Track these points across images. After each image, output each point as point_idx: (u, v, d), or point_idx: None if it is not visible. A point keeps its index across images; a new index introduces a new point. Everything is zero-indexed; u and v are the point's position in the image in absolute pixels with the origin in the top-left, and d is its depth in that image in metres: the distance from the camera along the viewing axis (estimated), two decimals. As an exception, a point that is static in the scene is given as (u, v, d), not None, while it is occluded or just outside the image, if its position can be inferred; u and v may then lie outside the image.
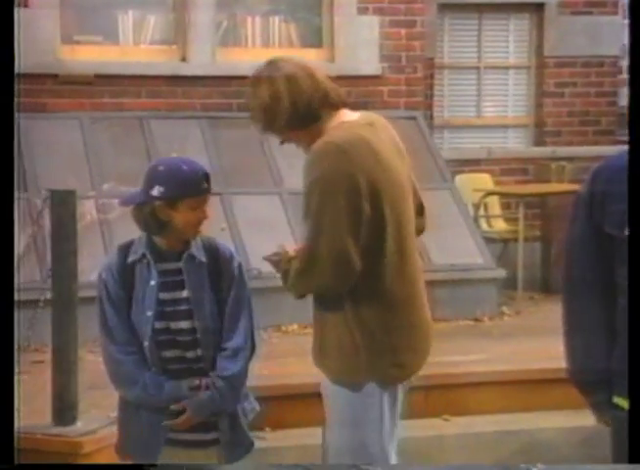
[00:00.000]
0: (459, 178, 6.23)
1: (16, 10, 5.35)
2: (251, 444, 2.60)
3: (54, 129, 5.52)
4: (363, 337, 2.39)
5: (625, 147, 2.10)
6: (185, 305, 2.47)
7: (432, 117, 6.58)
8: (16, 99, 5.17)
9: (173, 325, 2.48)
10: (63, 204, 3.52)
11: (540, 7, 6.78)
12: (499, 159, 6.63)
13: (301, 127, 2.41)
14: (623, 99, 6.65)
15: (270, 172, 5.60)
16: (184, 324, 2.48)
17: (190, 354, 2.49)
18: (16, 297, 3.71)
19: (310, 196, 2.35)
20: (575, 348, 2.14)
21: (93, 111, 5.67)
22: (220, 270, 2.49)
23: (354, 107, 2.52)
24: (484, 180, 6.44)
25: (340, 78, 2.51)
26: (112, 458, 2.84)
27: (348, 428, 2.42)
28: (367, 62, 5.98)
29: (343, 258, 2.33)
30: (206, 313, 2.47)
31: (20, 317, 3.58)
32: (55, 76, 5.60)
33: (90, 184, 5.30)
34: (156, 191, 2.42)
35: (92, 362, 4.03)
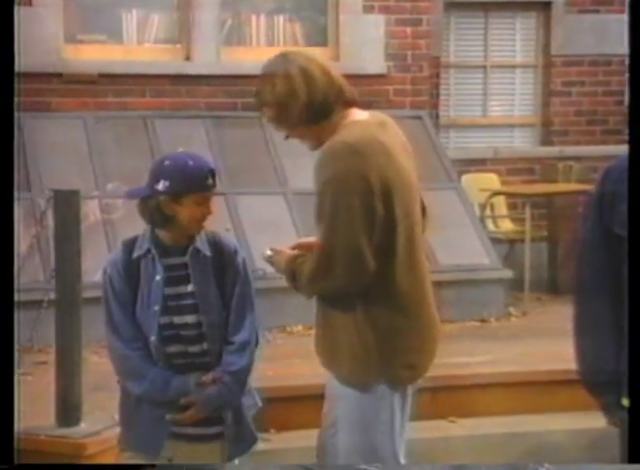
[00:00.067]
0: (465, 178, 6.21)
1: (19, 9, 5.39)
2: (255, 439, 2.61)
3: (57, 129, 5.51)
4: (374, 338, 2.38)
5: (634, 147, 2.07)
6: (190, 300, 2.48)
7: (437, 116, 6.55)
8: (19, 98, 5.19)
9: (177, 320, 2.48)
10: (66, 204, 3.52)
11: (547, 5, 6.75)
12: (506, 158, 6.60)
13: (314, 123, 2.40)
14: (631, 98, 6.59)
15: (275, 172, 5.58)
16: (189, 318, 2.48)
17: (193, 349, 2.49)
18: (19, 297, 3.72)
19: (324, 196, 2.34)
20: (585, 349, 2.12)
21: (97, 110, 5.66)
22: (225, 264, 2.50)
23: (360, 106, 2.50)
24: (491, 180, 6.42)
25: (345, 77, 2.49)
26: (116, 460, 2.82)
27: (358, 430, 2.42)
28: (372, 61, 5.96)
29: (358, 258, 2.33)
30: (212, 307, 2.48)
31: (23, 318, 3.59)
32: (58, 76, 5.59)
33: (94, 184, 5.29)
34: (161, 185, 2.43)
35: (96, 363, 4.04)
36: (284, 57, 2.45)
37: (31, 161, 5.31)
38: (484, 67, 6.83)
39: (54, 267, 3.57)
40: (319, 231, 2.36)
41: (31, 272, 4.65)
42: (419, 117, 5.98)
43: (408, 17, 6.07)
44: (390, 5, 6.04)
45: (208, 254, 2.49)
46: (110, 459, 3.31)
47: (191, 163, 2.45)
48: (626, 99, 6.72)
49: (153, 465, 2.47)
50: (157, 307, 2.46)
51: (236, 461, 2.58)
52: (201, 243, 2.50)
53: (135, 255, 2.48)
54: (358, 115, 2.45)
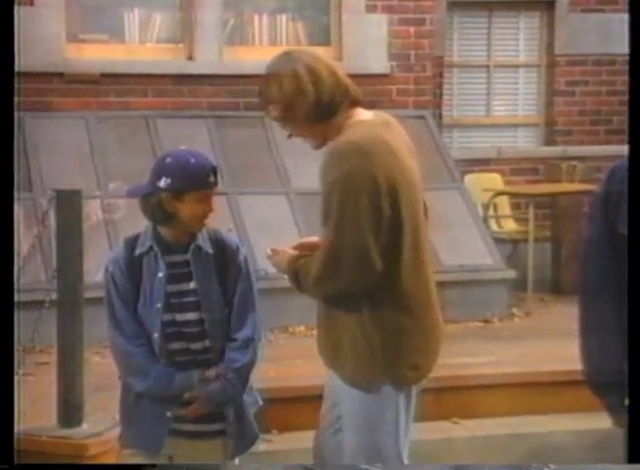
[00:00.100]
0: (468, 178, 6.19)
1: (21, 8, 5.39)
2: (257, 436, 2.61)
3: (59, 129, 5.51)
4: (380, 338, 2.38)
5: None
6: (192, 297, 2.48)
7: (441, 116, 6.54)
8: (20, 98, 5.19)
9: (179, 317, 2.48)
10: (68, 204, 3.51)
11: (551, 4, 6.73)
12: (509, 158, 6.59)
13: (320, 122, 2.40)
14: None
15: (277, 172, 5.57)
16: (191, 316, 2.48)
17: (196, 346, 2.50)
18: (21, 297, 3.71)
19: (330, 195, 2.34)
20: (591, 349, 2.11)
21: (99, 110, 5.65)
22: (227, 262, 2.51)
23: (363, 106, 2.49)
24: (494, 180, 6.41)
25: (348, 77, 2.48)
26: (117, 459, 2.81)
27: (363, 431, 2.42)
28: (375, 60, 5.95)
29: (365, 258, 2.32)
30: (214, 305, 2.49)
31: (25, 318, 3.58)
32: (60, 75, 5.59)
33: (96, 184, 5.28)
34: (163, 182, 2.43)
35: (98, 364, 4.03)
36: (289, 55, 2.44)
37: (33, 160, 5.30)
38: (488, 66, 6.81)
39: (56, 267, 3.57)
40: (326, 231, 2.35)
41: (33, 272, 4.64)
42: (422, 117, 5.96)
43: (411, 16, 6.06)
44: (393, 4, 6.03)
45: (210, 251, 2.50)
46: (112, 460, 3.30)
47: (193, 160, 2.46)
48: (633, 99, 6.68)
49: (153, 465, 2.47)
50: (159, 305, 2.46)
51: (236, 461, 2.58)
52: (202, 240, 2.50)
53: (137, 252, 2.49)
54: (363, 114, 2.44)
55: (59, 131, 5.49)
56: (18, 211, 4.91)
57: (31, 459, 3.27)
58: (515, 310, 5.56)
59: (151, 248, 2.48)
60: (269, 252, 2.51)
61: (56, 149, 5.39)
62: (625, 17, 6.56)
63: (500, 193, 6.25)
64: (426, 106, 6.10)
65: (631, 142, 2.04)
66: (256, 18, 6.00)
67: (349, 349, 2.40)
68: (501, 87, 6.84)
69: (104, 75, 5.63)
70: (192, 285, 2.48)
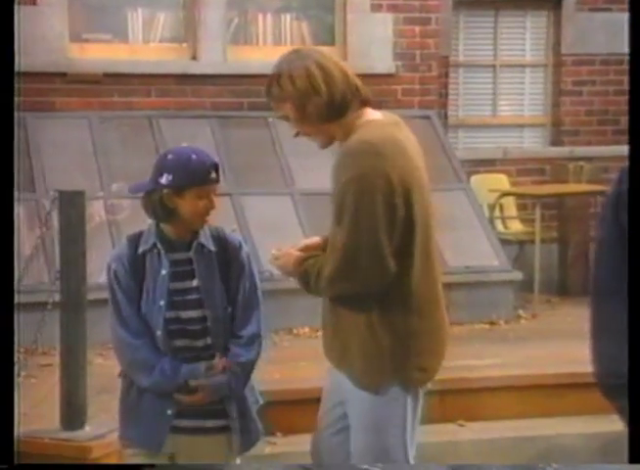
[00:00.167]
0: (474, 179, 6.17)
1: (24, 8, 5.37)
2: (260, 432, 2.61)
3: (62, 129, 5.49)
4: (390, 339, 2.37)
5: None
6: (195, 295, 2.49)
7: (446, 116, 6.51)
8: (22, 98, 5.17)
9: (183, 314, 2.49)
10: (71, 205, 3.50)
11: (558, 3, 6.70)
12: (515, 159, 6.56)
13: (330, 120, 2.39)
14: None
15: (281, 172, 5.55)
16: (194, 313, 2.49)
17: (198, 343, 2.51)
18: (24, 299, 3.69)
19: (345, 195, 2.33)
20: (602, 351, 2.08)
21: (102, 110, 5.63)
22: (229, 259, 2.51)
23: (372, 106, 2.48)
24: (500, 181, 6.38)
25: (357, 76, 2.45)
26: (119, 461, 2.79)
27: (371, 432, 2.41)
28: (380, 60, 5.92)
29: (379, 258, 2.32)
30: (217, 302, 2.49)
31: (28, 320, 3.56)
32: (63, 75, 5.57)
33: (99, 184, 5.26)
34: (164, 179, 2.44)
35: (101, 366, 4.02)
36: (298, 53, 2.43)
37: (36, 161, 5.29)
38: (494, 66, 6.78)
39: (59, 269, 3.56)
40: (339, 231, 2.34)
41: (36, 274, 4.62)
42: (427, 117, 5.94)
43: (417, 15, 6.03)
44: (399, 4, 6.00)
45: (213, 249, 2.51)
46: (115, 462, 3.28)
47: (194, 157, 2.46)
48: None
49: (152, 465, 2.46)
50: (162, 302, 2.47)
51: (237, 461, 2.58)
52: (205, 238, 2.51)
53: (141, 250, 2.49)
54: (373, 114, 2.43)
55: (61, 131, 5.47)
56: (20, 212, 4.90)
57: (34, 462, 3.25)
58: (521, 312, 5.54)
59: (154, 245, 2.49)
60: (275, 253, 2.50)
61: (59, 149, 5.37)
62: (632, 16, 6.51)
63: (506, 194, 6.22)
64: (431, 106, 6.08)
65: (631, 142, 2.02)
66: (260, 17, 5.97)
67: (357, 349, 2.39)
68: (507, 87, 6.80)
69: (107, 75, 5.62)
70: (195, 282, 2.49)
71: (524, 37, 6.81)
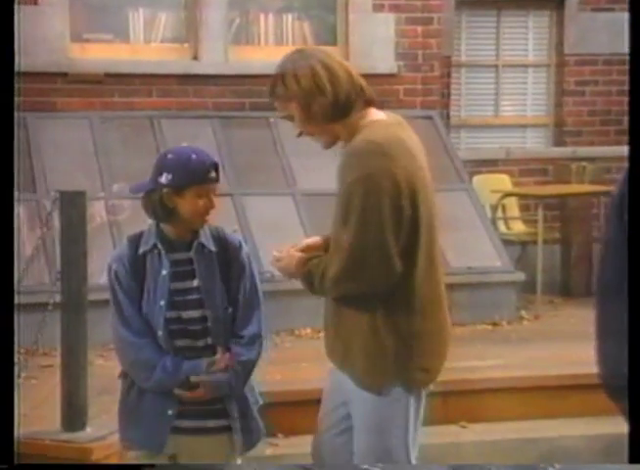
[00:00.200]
0: (476, 179, 6.15)
1: (25, 7, 5.36)
2: (262, 430, 2.61)
3: (63, 129, 5.49)
4: (392, 340, 2.37)
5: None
6: (195, 295, 2.50)
7: (448, 116, 6.49)
8: (23, 98, 5.16)
9: (184, 314, 2.50)
10: (72, 205, 3.50)
11: (560, 3, 6.68)
12: (518, 159, 6.54)
13: (335, 120, 2.38)
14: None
15: (283, 173, 5.54)
16: (194, 313, 2.50)
17: (200, 343, 2.52)
18: (25, 300, 3.68)
19: (351, 196, 2.32)
20: (607, 352, 2.07)
21: (103, 110, 5.63)
22: (229, 259, 2.52)
23: (376, 106, 2.47)
24: (503, 181, 6.36)
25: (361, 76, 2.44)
26: (124, 468, 2.78)
27: (374, 433, 2.41)
28: (382, 60, 5.91)
29: (386, 259, 2.32)
30: (217, 302, 2.50)
31: (28, 321, 3.55)
32: (64, 75, 5.57)
33: (100, 185, 5.26)
34: (164, 178, 2.45)
35: (102, 367, 4.01)
36: (302, 52, 2.43)
37: (37, 161, 5.28)
38: (496, 66, 6.76)
39: (59, 269, 3.56)
40: (346, 231, 2.33)
41: (37, 274, 4.61)
42: (429, 118, 5.92)
43: (419, 15, 6.02)
44: (401, 3, 5.99)
45: (213, 249, 2.51)
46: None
47: (194, 156, 2.47)
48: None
49: (152, 465, 2.46)
50: (162, 302, 2.48)
51: (238, 461, 2.58)
52: (205, 238, 2.52)
53: (141, 250, 2.50)
54: (376, 114, 2.42)
55: (63, 132, 5.47)
56: (21, 212, 4.89)
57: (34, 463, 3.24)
58: (524, 313, 5.52)
59: (154, 246, 2.49)
60: (276, 254, 2.49)
61: (60, 149, 5.37)
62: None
63: (509, 194, 6.20)
64: (433, 106, 6.06)
65: (631, 142, 2.01)
66: (262, 17, 5.96)
67: (360, 350, 2.39)
68: (510, 87, 6.79)
69: (108, 75, 5.61)
70: (195, 282, 2.50)
71: (526, 37, 6.79)
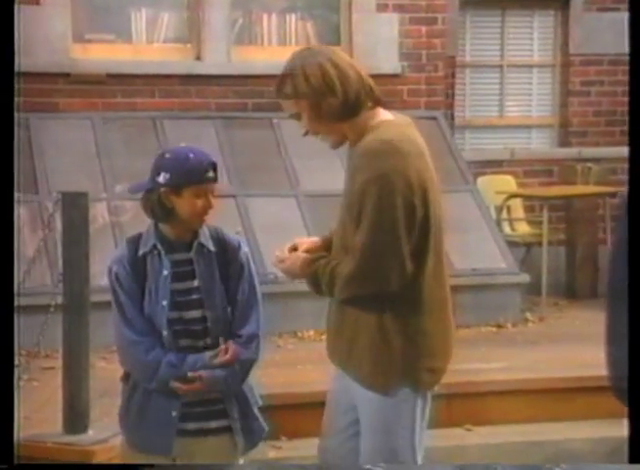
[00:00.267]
0: (481, 180, 6.13)
1: (27, 8, 5.34)
2: (264, 430, 2.61)
3: (65, 129, 5.47)
4: (401, 340, 2.36)
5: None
6: (196, 295, 2.51)
7: (452, 117, 6.47)
8: (26, 99, 5.14)
9: (186, 315, 2.51)
10: (74, 206, 3.49)
11: (566, 3, 6.65)
12: (523, 160, 6.52)
13: (344, 119, 2.37)
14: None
15: (286, 174, 5.52)
16: (195, 313, 2.51)
17: (201, 343, 2.53)
18: (26, 301, 3.66)
19: (365, 195, 2.31)
20: (616, 354, 2.04)
21: (105, 111, 5.61)
22: (229, 259, 2.53)
23: (383, 106, 2.46)
24: (507, 182, 6.34)
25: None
26: (124, 468, 2.76)
27: (380, 434, 2.40)
28: (386, 60, 5.89)
29: (399, 259, 2.32)
30: (217, 302, 2.51)
31: (30, 322, 3.54)
32: (66, 76, 5.56)
33: (102, 186, 5.24)
34: (162, 178, 2.45)
35: (104, 369, 3.99)
36: (311, 51, 2.42)
37: (38, 162, 5.27)
38: (501, 66, 6.74)
39: (61, 271, 3.55)
40: (359, 231, 2.32)
41: (39, 276, 4.59)
42: (434, 118, 5.90)
43: (423, 15, 6.00)
44: (405, 3, 5.97)
45: (213, 249, 2.52)
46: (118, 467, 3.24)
47: (192, 155, 2.47)
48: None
49: (151, 465, 2.46)
50: (165, 302, 2.48)
51: (241, 461, 2.58)
52: (205, 238, 2.54)
53: (141, 252, 2.50)
54: (384, 114, 2.42)
55: (64, 132, 5.45)
56: (23, 213, 4.88)
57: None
58: (528, 315, 5.50)
59: (154, 246, 2.50)
60: (279, 255, 2.49)
61: (62, 150, 5.35)
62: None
63: (513, 195, 6.18)
64: (437, 106, 6.04)
65: (631, 142, 1.99)
66: (265, 17, 5.94)
67: (366, 350, 2.39)
68: (514, 87, 6.76)
69: (110, 76, 5.60)
70: (195, 283, 2.50)
71: (531, 37, 6.76)
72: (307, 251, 2.47)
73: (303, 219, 5.27)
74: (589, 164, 6.32)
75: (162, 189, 2.44)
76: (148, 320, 2.49)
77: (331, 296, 2.42)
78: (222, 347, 2.49)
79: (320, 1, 6.05)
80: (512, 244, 5.74)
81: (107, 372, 3.75)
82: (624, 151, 6.80)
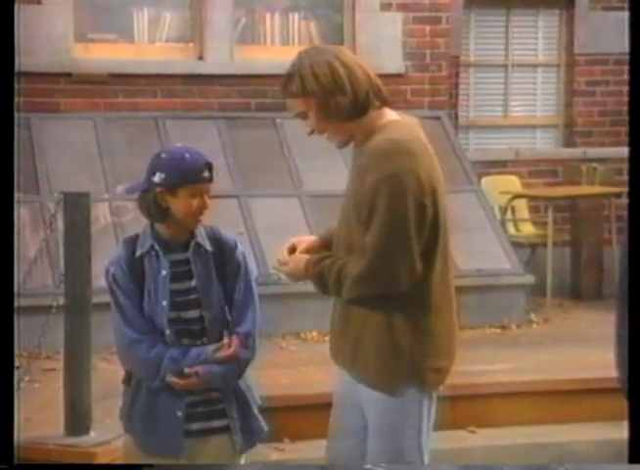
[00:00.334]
0: (485, 180, 6.11)
1: (29, 7, 5.33)
2: (263, 429, 2.61)
3: (67, 130, 5.47)
4: (408, 340, 2.35)
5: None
6: (193, 295, 2.52)
7: (456, 116, 6.45)
8: (28, 99, 5.12)
9: (185, 315, 2.52)
10: (76, 207, 3.49)
11: (570, 2, 6.63)
12: (527, 160, 6.50)
13: (352, 119, 2.36)
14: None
15: (289, 174, 5.51)
16: (194, 313, 2.52)
17: (198, 343, 2.53)
18: (28, 302, 3.65)
19: (376, 195, 2.30)
20: (626, 355, 2.00)
21: (107, 111, 5.61)
22: (225, 259, 2.54)
23: (390, 106, 2.45)
24: (512, 182, 6.32)
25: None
26: (124, 468, 2.75)
27: (387, 434, 2.39)
28: (390, 60, 5.87)
29: (410, 259, 2.32)
30: (214, 302, 2.52)
31: (31, 323, 3.53)
32: (68, 75, 5.55)
33: (104, 186, 5.24)
34: (157, 178, 2.46)
35: (105, 370, 3.98)
36: (318, 49, 2.41)
37: (40, 162, 5.26)
38: (505, 65, 6.71)
39: (63, 272, 3.54)
40: (370, 231, 2.31)
41: (40, 277, 4.59)
42: (437, 118, 5.88)
43: (427, 14, 5.98)
44: (408, 2, 5.95)
45: (209, 249, 2.53)
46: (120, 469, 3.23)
47: (187, 155, 2.48)
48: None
49: (150, 465, 2.45)
50: (165, 303, 2.49)
51: (242, 461, 2.58)
52: (201, 238, 2.54)
53: (138, 253, 2.51)
54: (392, 114, 2.41)
55: (66, 132, 5.45)
56: (24, 214, 4.87)
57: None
58: (533, 316, 5.48)
59: (152, 247, 2.51)
60: (281, 258, 2.48)
61: (63, 150, 5.35)
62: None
63: (518, 196, 6.16)
64: (441, 106, 6.02)
65: (631, 142, 1.97)
66: (268, 16, 5.93)
67: (372, 350, 2.38)
68: (519, 87, 6.73)
69: (112, 76, 5.59)
70: (193, 283, 2.51)
71: (536, 36, 6.74)
72: (307, 250, 2.46)
73: (306, 219, 5.25)
74: (594, 165, 6.30)
75: (158, 189, 2.45)
76: (148, 320, 2.49)
77: (338, 296, 2.41)
78: (225, 340, 2.48)
79: (323, 0, 6.03)
80: (516, 244, 5.72)
81: (108, 373, 3.73)
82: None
